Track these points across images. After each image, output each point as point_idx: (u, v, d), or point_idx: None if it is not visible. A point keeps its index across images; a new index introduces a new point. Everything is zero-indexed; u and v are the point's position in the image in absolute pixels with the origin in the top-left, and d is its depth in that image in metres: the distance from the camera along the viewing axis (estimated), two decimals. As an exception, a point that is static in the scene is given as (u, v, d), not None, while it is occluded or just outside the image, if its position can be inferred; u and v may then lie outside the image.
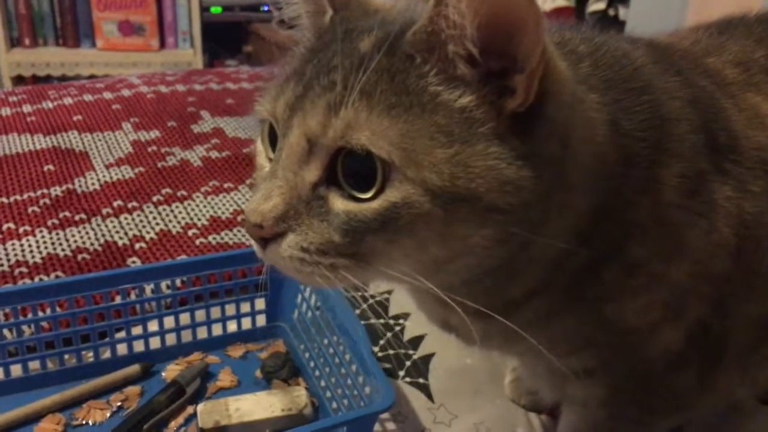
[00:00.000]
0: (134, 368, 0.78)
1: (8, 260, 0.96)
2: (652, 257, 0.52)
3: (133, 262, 0.98)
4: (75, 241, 1.01)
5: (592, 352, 0.57)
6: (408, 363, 0.85)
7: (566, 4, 2.18)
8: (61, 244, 1.00)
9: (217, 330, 0.85)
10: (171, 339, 0.83)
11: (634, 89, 0.52)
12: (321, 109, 0.42)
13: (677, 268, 0.53)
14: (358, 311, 0.93)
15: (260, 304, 0.86)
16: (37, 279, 0.92)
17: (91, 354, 0.80)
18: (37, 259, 0.96)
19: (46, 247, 0.99)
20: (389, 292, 0.96)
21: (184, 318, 0.83)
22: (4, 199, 1.11)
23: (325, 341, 0.77)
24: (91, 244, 1.01)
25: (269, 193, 0.43)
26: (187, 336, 0.84)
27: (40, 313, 0.78)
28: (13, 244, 1.00)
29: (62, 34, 2.84)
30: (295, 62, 0.47)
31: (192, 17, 2.88)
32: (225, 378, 0.79)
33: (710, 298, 0.55)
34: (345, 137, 0.41)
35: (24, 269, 0.94)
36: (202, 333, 0.84)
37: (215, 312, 0.85)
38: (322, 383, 0.77)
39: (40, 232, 1.03)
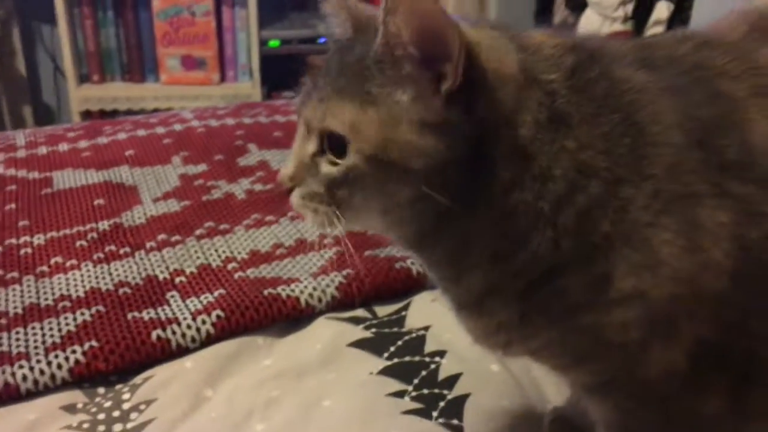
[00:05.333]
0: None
1: (53, 294, 0.99)
2: (621, 272, 0.52)
3: (172, 296, 0.99)
4: (118, 275, 1.03)
5: (590, 366, 0.58)
6: (442, 403, 0.82)
7: (624, 28, 2.14)
8: (104, 278, 1.02)
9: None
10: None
11: (610, 107, 0.54)
12: (315, 102, 0.58)
13: (655, 286, 0.52)
14: (393, 348, 0.91)
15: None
16: (78, 313, 0.94)
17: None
18: (81, 293, 0.99)
19: (89, 281, 1.02)
20: (426, 329, 0.94)
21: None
22: (55, 233, 1.15)
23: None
24: (133, 278, 1.03)
25: (287, 163, 0.61)
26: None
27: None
28: (59, 278, 1.02)
29: (128, 70, 2.96)
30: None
31: (251, 51, 2.95)
32: None
33: (708, 318, 0.53)
34: (324, 121, 0.57)
35: (67, 303, 0.97)
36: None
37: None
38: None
39: (86, 266, 1.05)
